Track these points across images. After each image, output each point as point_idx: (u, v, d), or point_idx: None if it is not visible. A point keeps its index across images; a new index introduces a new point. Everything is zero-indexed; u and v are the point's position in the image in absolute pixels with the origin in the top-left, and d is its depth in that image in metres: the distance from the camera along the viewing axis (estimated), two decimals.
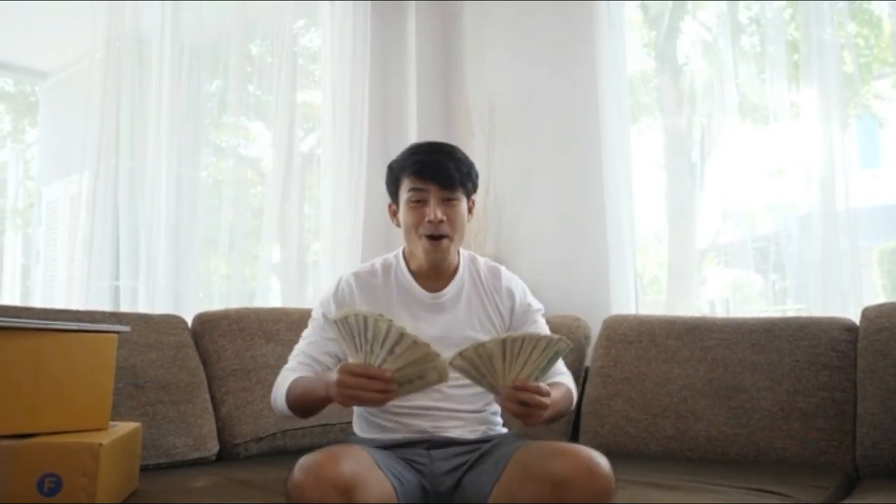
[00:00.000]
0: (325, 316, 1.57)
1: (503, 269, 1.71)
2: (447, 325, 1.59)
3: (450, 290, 1.63)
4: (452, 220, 1.57)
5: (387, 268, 1.66)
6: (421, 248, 1.58)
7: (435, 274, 1.62)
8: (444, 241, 1.57)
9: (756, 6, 2.57)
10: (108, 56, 2.42)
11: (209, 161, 2.81)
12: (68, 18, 3.38)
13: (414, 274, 1.63)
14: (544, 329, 1.66)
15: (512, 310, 1.65)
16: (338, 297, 1.62)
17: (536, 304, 1.70)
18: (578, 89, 2.81)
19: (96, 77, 2.41)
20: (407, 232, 1.60)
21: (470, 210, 1.65)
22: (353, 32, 3.00)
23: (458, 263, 1.66)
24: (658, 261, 2.91)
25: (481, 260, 1.71)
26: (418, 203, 1.57)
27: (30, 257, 4.66)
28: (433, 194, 1.56)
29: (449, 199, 1.57)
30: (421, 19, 3.18)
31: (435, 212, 1.55)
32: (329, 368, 1.57)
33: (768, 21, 2.48)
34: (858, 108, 2.38)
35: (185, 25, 2.62)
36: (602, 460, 1.25)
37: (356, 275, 1.64)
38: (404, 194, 1.60)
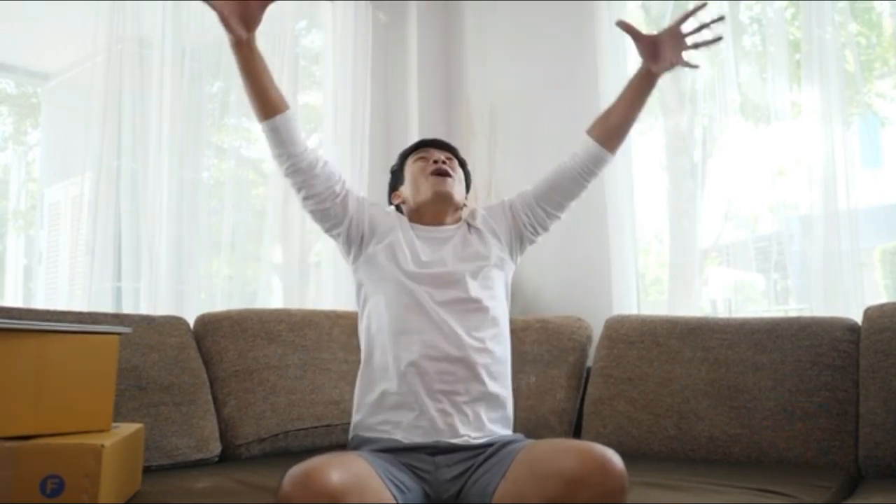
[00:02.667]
0: None
1: (477, 208, 1.80)
2: (448, 245, 1.69)
3: (450, 228, 1.73)
4: (454, 169, 1.75)
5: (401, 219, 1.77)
6: (428, 185, 1.70)
7: (439, 222, 1.72)
8: (450, 180, 1.71)
9: (757, 6, 2.57)
10: (109, 58, 2.42)
11: (211, 162, 2.81)
12: (70, 20, 3.40)
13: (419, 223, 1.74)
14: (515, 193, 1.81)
15: (509, 216, 1.76)
16: (372, 202, 1.76)
17: (506, 197, 1.81)
18: (580, 90, 2.81)
19: (98, 79, 2.41)
20: (414, 182, 1.74)
21: (465, 202, 1.80)
22: (355, 33, 3.00)
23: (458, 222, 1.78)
24: (660, 261, 2.91)
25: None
26: (423, 158, 1.76)
27: (32, 259, 4.67)
28: (437, 154, 1.76)
29: (449, 158, 1.77)
30: (422, 20, 3.19)
31: (438, 157, 1.74)
32: (340, 191, 1.66)
33: (769, 20, 2.47)
34: (860, 108, 2.38)
35: (187, 27, 2.62)
36: (616, 458, 1.23)
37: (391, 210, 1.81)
38: (409, 163, 1.78)
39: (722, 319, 2.20)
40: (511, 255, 1.75)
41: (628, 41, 2.76)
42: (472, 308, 1.61)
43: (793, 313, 2.37)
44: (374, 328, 1.63)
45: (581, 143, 1.74)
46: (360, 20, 3.03)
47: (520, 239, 1.76)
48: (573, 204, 1.78)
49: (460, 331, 1.57)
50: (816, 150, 2.27)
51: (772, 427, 1.96)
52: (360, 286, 1.70)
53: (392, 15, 3.19)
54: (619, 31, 2.66)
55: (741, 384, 2.03)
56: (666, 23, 2.71)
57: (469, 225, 1.75)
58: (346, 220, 1.66)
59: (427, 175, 1.71)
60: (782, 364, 2.00)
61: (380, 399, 1.58)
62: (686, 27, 1.67)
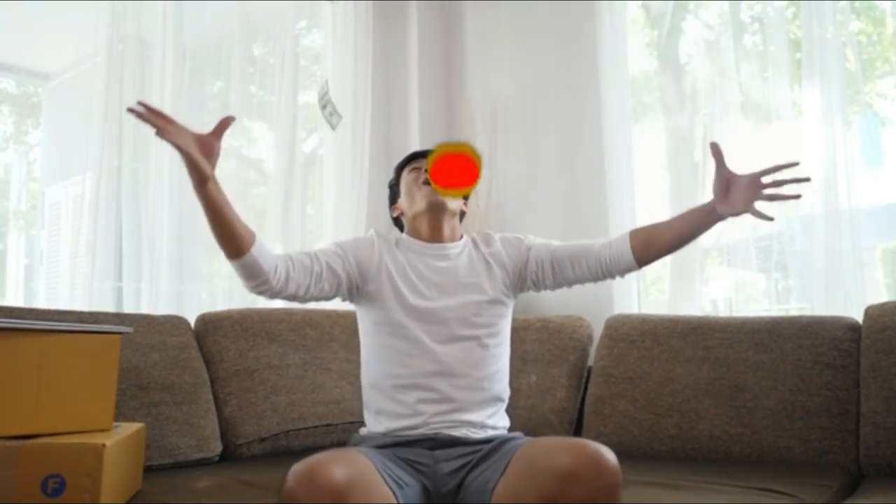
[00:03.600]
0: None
1: (490, 232, 1.78)
2: (452, 266, 1.66)
3: (453, 247, 1.70)
4: None
5: (397, 239, 1.74)
6: (422, 196, 1.68)
7: (437, 234, 1.69)
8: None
9: (758, 5, 2.56)
10: (110, 57, 2.42)
11: None
12: (70, 20, 3.39)
13: (418, 239, 1.71)
14: (549, 241, 1.75)
15: (521, 258, 1.71)
16: (358, 239, 1.72)
17: (528, 236, 1.76)
18: (581, 89, 2.81)
19: (99, 78, 2.41)
20: (409, 193, 1.72)
21: (463, 209, 1.78)
22: (355, 33, 3.00)
23: (461, 236, 1.74)
24: (661, 260, 2.90)
25: (476, 235, 1.79)
26: (416, 169, 1.73)
27: (33, 258, 4.67)
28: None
29: None
30: (423, 19, 3.19)
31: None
32: (321, 266, 1.60)
33: (770, 20, 2.47)
34: (861, 107, 2.38)
35: (188, 27, 2.62)
36: (609, 454, 1.25)
37: (377, 231, 1.75)
38: (404, 175, 1.76)
39: (723, 319, 2.20)
40: (513, 292, 1.73)
41: (629, 39, 2.78)
42: (473, 346, 1.61)
43: (794, 312, 2.37)
44: (372, 370, 1.65)
45: (619, 240, 1.66)
46: (360, 19, 3.03)
47: (522, 282, 1.72)
48: (589, 284, 1.72)
49: (460, 370, 1.58)
50: (817, 149, 2.27)
51: (772, 426, 1.96)
52: (359, 319, 1.71)
53: (393, 14, 3.19)
54: (619, 29, 2.71)
55: (742, 383, 2.03)
56: (667, 22, 2.73)
57: (476, 246, 1.73)
58: (344, 280, 1.63)
59: (420, 185, 1.69)
60: (783, 363, 2.00)
61: (381, 436, 1.60)
62: (767, 179, 1.56)
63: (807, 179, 1.55)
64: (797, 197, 1.55)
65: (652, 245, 1.64)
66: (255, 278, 1.50)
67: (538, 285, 1.73)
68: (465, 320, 1.61)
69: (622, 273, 1.68)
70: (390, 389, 1.60)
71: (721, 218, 1.58)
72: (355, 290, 1.66)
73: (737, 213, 1.55)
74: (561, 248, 1.70)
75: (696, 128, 2.68)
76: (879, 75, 2.55)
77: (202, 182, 1.37)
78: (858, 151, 2.28)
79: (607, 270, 1.67)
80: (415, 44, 3.16)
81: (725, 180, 1.56)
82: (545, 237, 1.78)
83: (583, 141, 2.79)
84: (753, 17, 2.63)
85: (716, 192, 1.57)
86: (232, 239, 1.44)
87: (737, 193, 1.54)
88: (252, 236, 1.47)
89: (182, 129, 1.36)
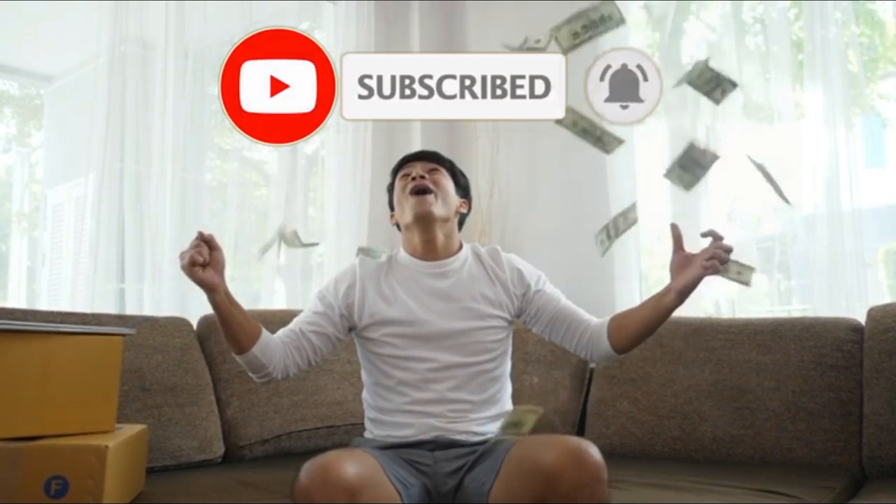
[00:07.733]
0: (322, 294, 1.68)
1: (499, 248, 1.75)
2: (451, 287, 1.63)
3: (452, 262, 1.66)
4: (437, 182, 1.66)
5: (390, 257, 1.71)
6: (409, 207, 1.63)
7: (431, 246, 1.65)
8: (429, 197, 1.62)
9: (760, 6, 2.56)
10: (112, 59, 2.43)
11: (214, 164, 2.81)
12: (73, 22, 3.40)
13: (413, 254, 1.68)
14: (558, 293, 1.71)
15: (525, 293, 1.68)
16: (339, 276, 1.69)
17: (541, 277, 1.72)
18: (583, 90, 2.80)
19: (101, 80, 2.42)
20: (399, 203, 1.68)
21: (462, 209, 1.73)
22: (357, 34, 3.01)
23: (460, 247, 1.70)
24: (663, 262, 2.90)
25: (480, 247, 1.75)
26: (406, 176, 1.68)
27: (36, 260, 4.67)
28: (418, 168, 1.67)
29: (432, 170, 1.68)
30: (425, 20, 3.19)
31: (418, 172, 1.65)
32: (310, 340, 1.62)
33: (772, 21, 2.47)
34: (863, 108, 2.38)
35: (190, 28, 2.63)
36: (591, 448, 1.25)
37: (362, 259, 1.71)
38: (396, 182, 1.71)
39: (725, 320, 2.20)
40: (513, 317, 1.69)
41: (631, 40, 2.77)
42: (472, 373, 1.59)
43: (796, 314, 2.37)
44: (371, 392, 1.65)
45: (601, 325, 1.63)
46: (362, 20, 3.03)
47: (517, 314, 1.70)
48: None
49: (458, 397, 1.57)
50: (819, 150, 2.27)
51: (775, 428, 1.95)
52: (356, 345, 1.71)
53: (395, 15, 3.19)
54: (621, 31, 2.70)
55: (744, 385, 2.02)
56: (669, 23, 2.73)
57: (479, 259, 1.69)
58: (339, 331, 1.64)
59: (408, 195, 1.64)
60: (786, 365, 2.00)
61: (383, 438, 1.60)
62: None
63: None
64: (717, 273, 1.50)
65: (622, 330, 1.60)
66: (258, 372, 1.57)
67: (526, 324, 1.71)
68: (463, 347, 1.59)
69: (602, 359, 1.68)
70: (390, 413, 1.60)
71: (678, 294, 1.51)
72: (353, 328, 1.66)
73: (693, 280, 1.49)
74: (565, 310, 1.67)
75: (698, 129, 2.67)
76: (881, 76, 2.55)
77: (211, 291, 1.50)
78: (861, 152, 2.28)
79: (589, 354, 1.66)
80: (417, 45, 3.16)
81: (682, 259, 1.53)
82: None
83: (585, 141, 2.78)
84: (755, 18, 2.63)
85: (672, 271, 1.54)
86: (235, 340, 1.54)
87: (693, 265, 1.49)
88: (256, 336, 1.54)
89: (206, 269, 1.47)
